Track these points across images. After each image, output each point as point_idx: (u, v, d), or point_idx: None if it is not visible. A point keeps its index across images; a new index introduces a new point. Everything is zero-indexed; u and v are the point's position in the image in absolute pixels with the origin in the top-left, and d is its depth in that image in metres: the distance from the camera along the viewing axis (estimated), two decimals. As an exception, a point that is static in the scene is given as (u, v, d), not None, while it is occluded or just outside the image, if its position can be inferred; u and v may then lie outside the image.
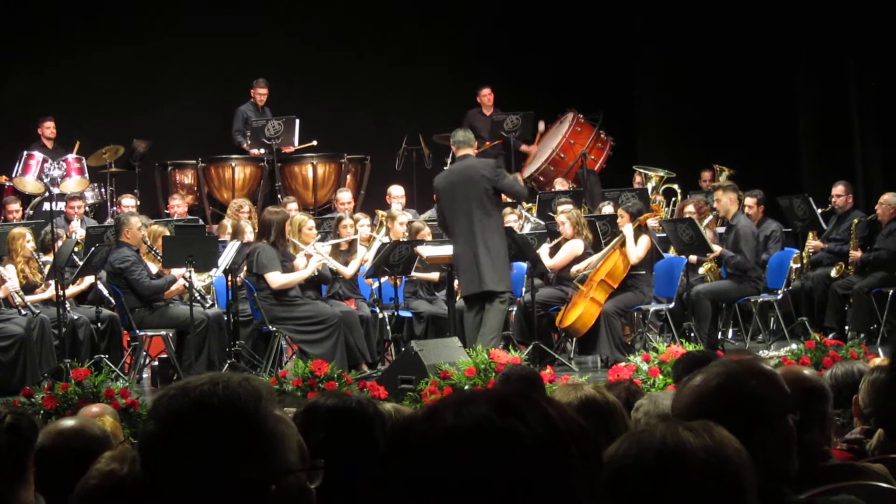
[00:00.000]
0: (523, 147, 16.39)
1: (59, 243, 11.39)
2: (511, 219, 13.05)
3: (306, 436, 3.30)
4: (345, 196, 14.45)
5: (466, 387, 9.14)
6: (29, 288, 11.19)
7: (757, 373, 2.85)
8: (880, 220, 12.69)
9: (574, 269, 11.78)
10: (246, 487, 1.93)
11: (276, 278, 11.04)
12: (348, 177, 15.57)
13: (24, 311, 10.78)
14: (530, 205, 14.27)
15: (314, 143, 15.52)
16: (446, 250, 11.04)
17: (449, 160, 13.02)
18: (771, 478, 2.60)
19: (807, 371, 3.63)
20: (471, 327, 10.86)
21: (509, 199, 12.05)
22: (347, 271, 11.83)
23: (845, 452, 3.92)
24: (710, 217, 13.06)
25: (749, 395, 2.77)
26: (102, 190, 14.94)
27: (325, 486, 2.08)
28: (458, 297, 11.25)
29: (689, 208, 13.23)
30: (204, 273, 11.71)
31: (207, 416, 1.94)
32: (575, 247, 11.88)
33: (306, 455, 2.02)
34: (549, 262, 11.91)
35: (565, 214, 12.11)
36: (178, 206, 14.42)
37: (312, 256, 11.36)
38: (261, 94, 15.92)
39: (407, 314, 12.21)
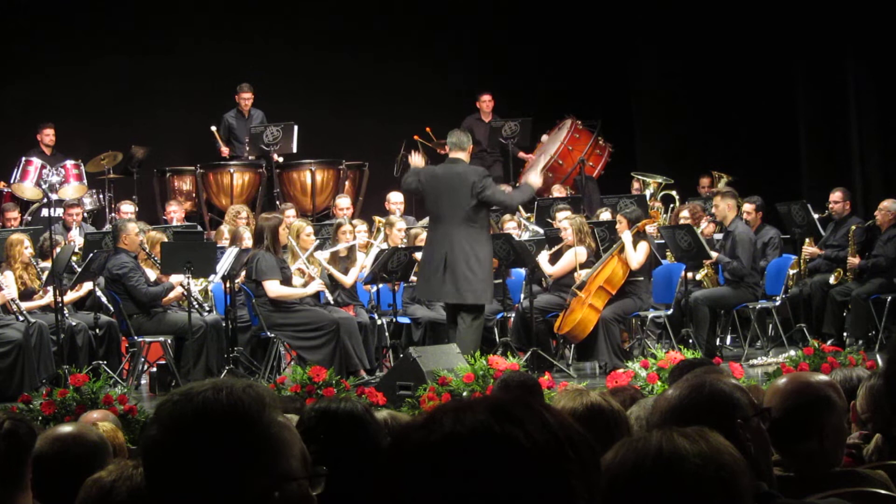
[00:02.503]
0: (521, 154, 16.38)
1: (58, 249, 11.39)
2: (510, 226, 13.04)
3: (322, 440, 3.30)
4: (343, 202, 14.45)
5: (465, 393, 9.13)
6: (27, 294, 11.20)
7: (723, 377, 3.04)
8: (879, 227, 12.68)
9: (577, 274, 11.76)
10: (249, 494, 1.92)
11: (273, 287, 11.03)
12: (346, 183, 15.57)
13: (20, 318, 10.79)
14: (529, 214, 14.25)
15: (280, 159, 15.47)
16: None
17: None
18: (756, 477, 2.64)
19: (814, 379, 3.60)
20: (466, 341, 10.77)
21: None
22: (347, 280, 11.83)
23: (845, 457, 3.91)
24: (706, 223, 13.06)
25: (719, 392, 2.90)
26: (101, 196, 14.93)
27: (329, 492, 2.08)
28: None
29: (684, 213, 13.24)
30: (202, 279, 11.72)
31: (211, 423, 1.94)
32: (577, 254, 11.87)
33: (308, 462, 2.02)
34: (548, 270, 11.91)
35: (568, 220, 12.09)
36: (175, 212, 14.40)
37: (314, 280, 11.32)
38: (245, 98, 15.89)
39: (405, 320, 12.20)
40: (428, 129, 15.60)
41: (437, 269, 10.54)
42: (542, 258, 11.92)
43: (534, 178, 11.35)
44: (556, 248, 12.02)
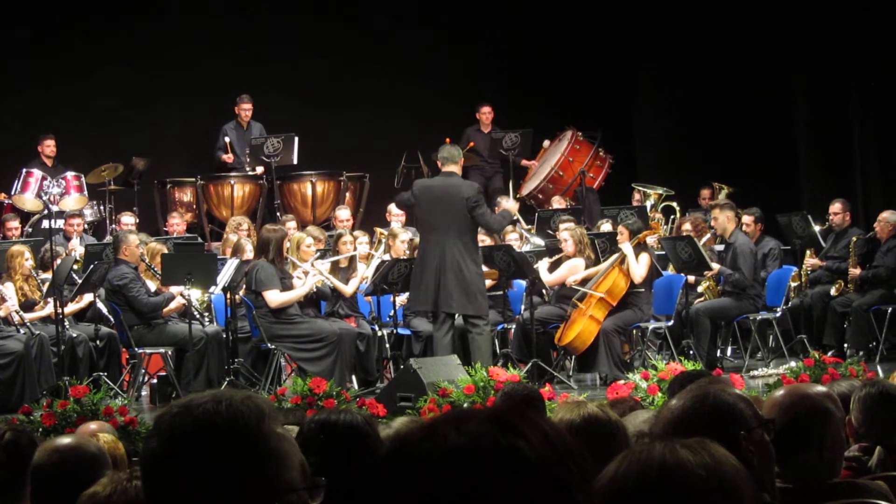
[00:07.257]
0: (524, 162, 16.36)
1: (58, 261, 11.39)
2: (511, 238, 13.05)
3: (322, 452, 3.31)
4: (343, 213, 14.45)
5: (465, 405, 9.12)
6: (28, 305, 11.19)
7: (727, 388, 3.04)
8: (879, 238, 12.69)
9: (569, 281, 11.75)
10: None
11: (273, 297, 11.03)
12: (347, 194, 15.57)
13: (22, 330, 10.78)
14: (529, 226, 14.25)
15: (260, 170, 15.46)
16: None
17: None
18: (759, 489, 2.64)
19: (812, 390, 3.60)
20: (440, 346, 10.80)
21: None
22: (347, 289, 11.81)
23: (844, 470, 3.90)
24: (708, 235, 13.06)
25: (723, 403, 2.91)
26: (101, 207, 14.93)
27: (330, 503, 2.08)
28: (457, 317, 11.13)
29: (687, 226, 13.24)
30: (202, 289, 11.70)
31: (211, 435, 1.94)
32: (575, 266, 11.87)
33: (307, 473, 2.02)
34: (546, 278, 11.90)
35: (568, 231, 12.09)
36: (178, 224, 14.40)
37: (309, 273, 11.34)
38: (244, 109, 15.88)
39: (406, 332, 12.18)
40: (472, 143, 15.67)
41: (430, 279, 10.63)
42: (542, 266, 11.92)
43: (511, 203, 12.24)
44: (556, 257, 12.03)
